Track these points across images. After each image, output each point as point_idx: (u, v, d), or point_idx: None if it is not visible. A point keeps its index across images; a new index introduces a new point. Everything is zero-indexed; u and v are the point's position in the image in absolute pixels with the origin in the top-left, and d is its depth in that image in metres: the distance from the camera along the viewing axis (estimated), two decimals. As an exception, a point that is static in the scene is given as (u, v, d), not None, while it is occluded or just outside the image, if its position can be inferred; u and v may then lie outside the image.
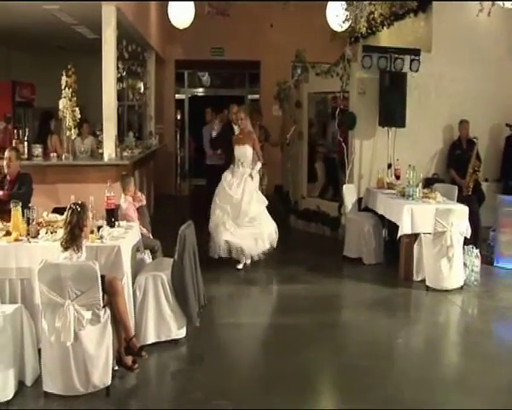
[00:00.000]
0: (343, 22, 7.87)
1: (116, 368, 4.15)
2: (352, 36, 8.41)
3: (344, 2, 7.71)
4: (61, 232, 4.50)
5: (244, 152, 6.90)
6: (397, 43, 8.47)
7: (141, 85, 9.71)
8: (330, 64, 8.71)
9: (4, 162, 5.91)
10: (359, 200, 7.77)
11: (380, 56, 8.12)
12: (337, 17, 7.92)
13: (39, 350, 4.11)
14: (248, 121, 7.12)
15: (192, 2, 8.85)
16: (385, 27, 8.64)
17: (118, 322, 4.14)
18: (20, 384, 4.02)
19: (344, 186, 7.77)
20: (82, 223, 4.08)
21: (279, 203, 10.09)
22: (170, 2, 8.83)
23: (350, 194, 7.67)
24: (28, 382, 4.07)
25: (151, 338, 4.63)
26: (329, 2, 8.10)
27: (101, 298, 3.90)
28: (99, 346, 3.93)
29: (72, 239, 4.07)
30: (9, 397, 3.90)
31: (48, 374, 3.95)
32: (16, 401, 3.92)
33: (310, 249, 8.15)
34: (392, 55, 8.11)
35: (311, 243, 8.57)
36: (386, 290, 6.29)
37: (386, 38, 8.93)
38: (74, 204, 4.17)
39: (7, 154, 5.90)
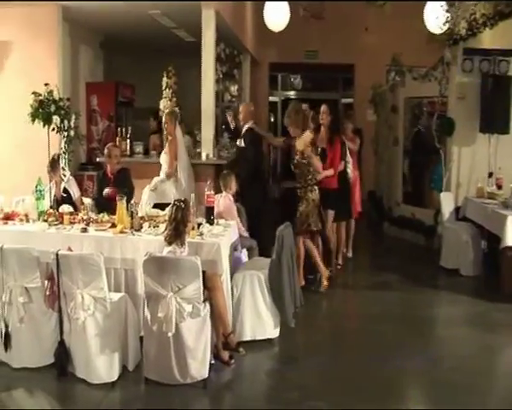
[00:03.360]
0: (443, 24, 7.62)
1: (213, 362, 4.23)
2: (451, 38, 8.10)
3: (445, 4, 7.46)
4: (162, 227, 4.69)
5: None
6: (501, 44, 8.07)
7: (235, 88, 9.87)
8: (427, 68, 8.45)
9: (107, 159, 6.18)
10: (457, 209, 7.49)
11: (482, 59, 7.77)
12: (437, 19, 7.68)
13: (141, 338, 4.29)
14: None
15: (287, 5, 8.91)
16: (487, 28, 8.26)
17: (216, 317, 4.23)
18: (123, 368, 4.22)
19: (441, 194, 7.52)
20: (186, 219, 4.21)
21: (372, 209, 9.93)
22: (266, 6, 8.93)
23: (447, 202, 7.41)
24: (130, 367, 4.27)
25: (246, 336, 4.70)
26: (428, 4, 7.86)
27: (201, 293, 4.01)
28: (198, 339, 4.04)
29: (177, 235, 4.20)
30: (114, 379, 4.13)
31: (149, 361, 4.12)
32: (119, 384, 4.14)
33: (403, 257, 7.96)
34: (496, 58, 7.74)
35: (405, 250, 8.36)
36: (485, 304, 6.00)
37: (489, 39, 8.50)
38: (178, 201, 4.31)
39: (110, 151, 6.15)
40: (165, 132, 7.05)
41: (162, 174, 6.80)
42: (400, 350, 4.83)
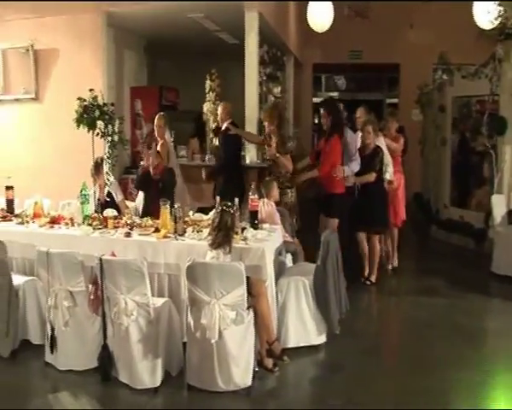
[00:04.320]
0: (495, 19, 7.33)
1: (256, 369, 4.15)
2: (503, 33, 7.76)
3: (498, -3, 7.17)
4: (206, 232, 4.64)
5: None
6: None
7: (279, 89, 9.80)
8: (477, 65, 8.15)
9: (150, 160, 6.19)
10: (509, 212, 7.17)
11: (537, 54, 7.44)
12: (488, 14, 7.39)
13: (184, 343, 4.25)
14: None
15: (331, 5, 8.78)
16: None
17: (260, 324, 4.14)
18: (166, 374, 4.18)
19: (493, 196, 7.23)
20: (235, 224, 4.15)
21: (419, 212, 9.65)
22: (309, 6, 8.82)
23: (499, 205, 7.11)
24: (173, 372, 4.24)
25: (291, 342, 4.59)
26: (478, -2, 7.59)
27: (245, 299, 3.93)
28: (242, 346, 3.97)
29: (225, 240, 4.14)
30: (157, 384, 4.10)
31: (192, 368, 4.08)
32: (162, 390, 4.10)
33: (451, 262, 7.69)
34: (552, 52, 7.40)
35: (453, 255, 8.09)
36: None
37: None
38: (225, 205, 4.25)
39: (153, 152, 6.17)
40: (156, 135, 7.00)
41: None
42: (451, 360, 4.63)
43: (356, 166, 6.28)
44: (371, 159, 6.30)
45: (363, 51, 12.32)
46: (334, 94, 13.92)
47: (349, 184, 6.28)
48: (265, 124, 6.44)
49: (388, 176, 6.56)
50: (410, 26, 11.68)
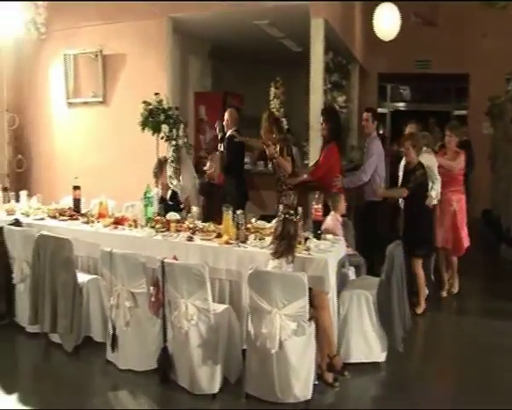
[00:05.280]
0: None
1: (316, 383, 4.06)
2: None
3: None
4: (268, 240, 4.58)
5: None
6: None
7: (343, 98, 9.64)
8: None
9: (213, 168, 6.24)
10: None
11: None
12: None
13: (243, 351, 4.22)
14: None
15: (398, 13, 8.58)
16: None
17: (321, 337, 4.05)
18: (225, 381, 4.15)
19: None
20: (297, 233, 4.08)
21: (487, 229, 9.24)
22: (376, 13, 8.66)
23: None
24: (232, 379, 4.21)
25: (351, 358, 4.47)
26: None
27: (307, 310, 3.85)
28: (302, 358, 3.89)
29: (288, 249, 4.08)
30: (215, 391, 4.08)
31: (251, 376, 4.03)
32: (220, 396, 4.08)
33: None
34: None
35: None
36: None
37: None
38: (288, 214, 4.18)
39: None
40: None
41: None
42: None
43: (357, 180, 6.28)
44: (408, 175, 5.94)
45: (431, 61, 11.92)
46: (400, 105, 13.63)
47: (377, 197, 6.08)
48: (264, 135, 6.61)
49: (434, 194, 6.06)
50: (483, 35, 11.24)
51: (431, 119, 6.49)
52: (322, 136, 6.49)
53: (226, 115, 7.27)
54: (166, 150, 7.36)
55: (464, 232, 6.33)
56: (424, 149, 6.07)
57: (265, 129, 6.58)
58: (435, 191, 6.08)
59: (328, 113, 6.71)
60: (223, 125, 7.46)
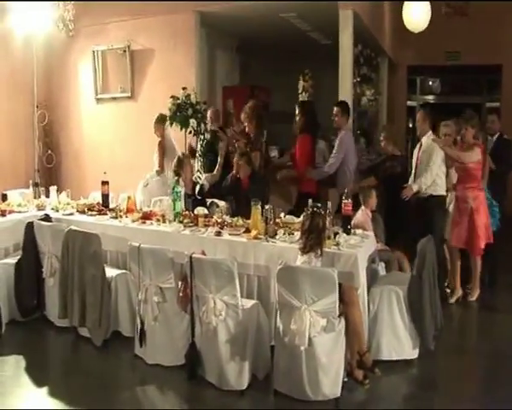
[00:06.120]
0: None
1: (346, 380, 3.98)
2: None
3: None
4: (297, 234, 4.53)
5: None
6: None
7: (371, 92, 9.49)
8: None
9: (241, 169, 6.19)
10: None
11: None
12: None
13: (271, 347, 4.16)
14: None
15: (428, 4, 8.38)
16: None
17: (351, 333, 3.97)
18: (253, 377, 4.11)
19: None
20: (325, 226, 4.01)
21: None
22: (405, 4, 8.48)
23: None
24: (260, 376, 4.16)
25: (382, 355, 4.37)
26: None
27: (337, 306, 3.78)
28: (331, 355, 3.82)
29: (317, 243, 4.02)
30: (243, 387, 4.04)
31: (279, 373, 3.98)
32: (248, 393, 4.04)
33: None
34: None
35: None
36: None
37: None
38: (316, 207, 4.12)
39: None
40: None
41: (153, 171, 7.26)
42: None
43: (322, 172, 6.55)
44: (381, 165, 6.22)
45: (461, 52, 11.65)
46: (429, 97, 13.35)
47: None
48: (245, 124, 6.82)
49: (415, 187, 5.82)
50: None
51: (467, 110, 6.20)
52: (296, 127, 6.74)
53: (209, 113, 7.31)
54: (195, 145, 7.37)
55: (482, 232, 5.88)
56: (431, 136, 5.94)
57: (246, 115, 6.80)
58: (419, 183, 5.83)
59: (304, 106, 6.95)
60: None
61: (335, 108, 6.70)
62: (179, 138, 7.41)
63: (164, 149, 7.30)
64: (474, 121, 6.02)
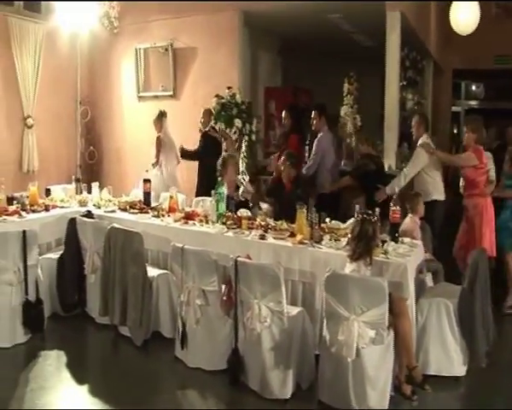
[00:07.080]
0: None
1: (393, 394, 3.85)
2: None
3: None
4: (343, 241, 4.41)
5: None
6: None
7: (416, 96, 9.27)
8: None
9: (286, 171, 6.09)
10: None
11: None
12: None
13: (316, 356, 4.06)
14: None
15: (477, 5, 8.11)
16: None
17: (400, 346, 3.84)
18: (297, 386, 4.01)
19: None
20: (377, 234, 3.89)
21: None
22: (453, 6, 8.23)
23: None
24: (304, 385, 4.06)
25: (430, 370, 4.22)
26: None
27: (386, 318, 3.65)
28: (379, 368, 3.70)
29: (367, 251, 3.90)
30: (287, 396, 3.95)
31: (324, 384, 3.88)
32: (292, 402, 3.95)
33: None
34: None
35: None
36: None
37: None
38: (366, 214, 4.00)
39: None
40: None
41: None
42: None
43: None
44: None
45: (511, 56, 11.28)
46: (473, 103, 13.00)
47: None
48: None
49: (388, 188, 5.90)
50: None
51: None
52: (285, 130, 7.19)
53: (203, 113, 7.44)
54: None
55: (488, 238, 5.61)
56: (426, 140, 6.06)
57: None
58: (390, 188, 5.88)
59: (291, 110, 7.19)
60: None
61: (313, 112, 6.97)
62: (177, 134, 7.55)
63: (162, 143, 7.50)
64: (473, 126, 5.86)
